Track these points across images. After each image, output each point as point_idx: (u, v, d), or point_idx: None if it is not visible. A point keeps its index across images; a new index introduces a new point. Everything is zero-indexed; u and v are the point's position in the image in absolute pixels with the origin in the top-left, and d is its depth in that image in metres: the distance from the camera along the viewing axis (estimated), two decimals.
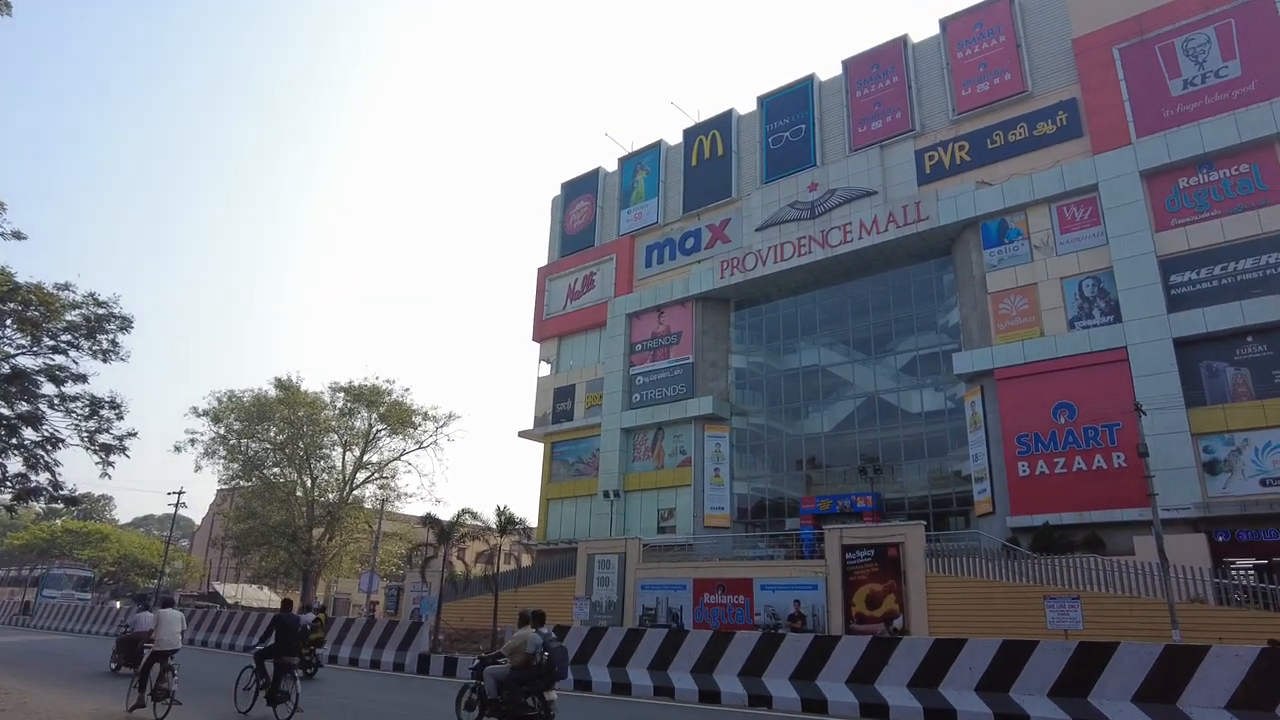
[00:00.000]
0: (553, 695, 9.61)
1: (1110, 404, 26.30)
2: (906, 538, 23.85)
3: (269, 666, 11.50)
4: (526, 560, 42.11)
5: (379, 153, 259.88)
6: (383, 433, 46.08)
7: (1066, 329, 28.76)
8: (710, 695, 14.22)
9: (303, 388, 45.61)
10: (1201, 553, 22.76)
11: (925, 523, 26.03)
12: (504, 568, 34.72)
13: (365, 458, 45.86)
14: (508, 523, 28.71)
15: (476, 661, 10.66)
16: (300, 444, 43.65)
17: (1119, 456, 25.99)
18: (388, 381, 46.22)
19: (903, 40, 36.81)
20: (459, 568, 33.91)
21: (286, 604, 12.65)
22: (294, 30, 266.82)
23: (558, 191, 50.25)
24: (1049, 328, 29.17)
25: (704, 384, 38.70)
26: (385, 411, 45.37)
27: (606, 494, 38.69)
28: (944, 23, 35.53)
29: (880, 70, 37.12)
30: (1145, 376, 26.07)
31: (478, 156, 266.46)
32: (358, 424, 45.90)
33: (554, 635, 10.16)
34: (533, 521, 43.33)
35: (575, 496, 42.14)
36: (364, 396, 45.13)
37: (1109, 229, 28.46)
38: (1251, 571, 22.74)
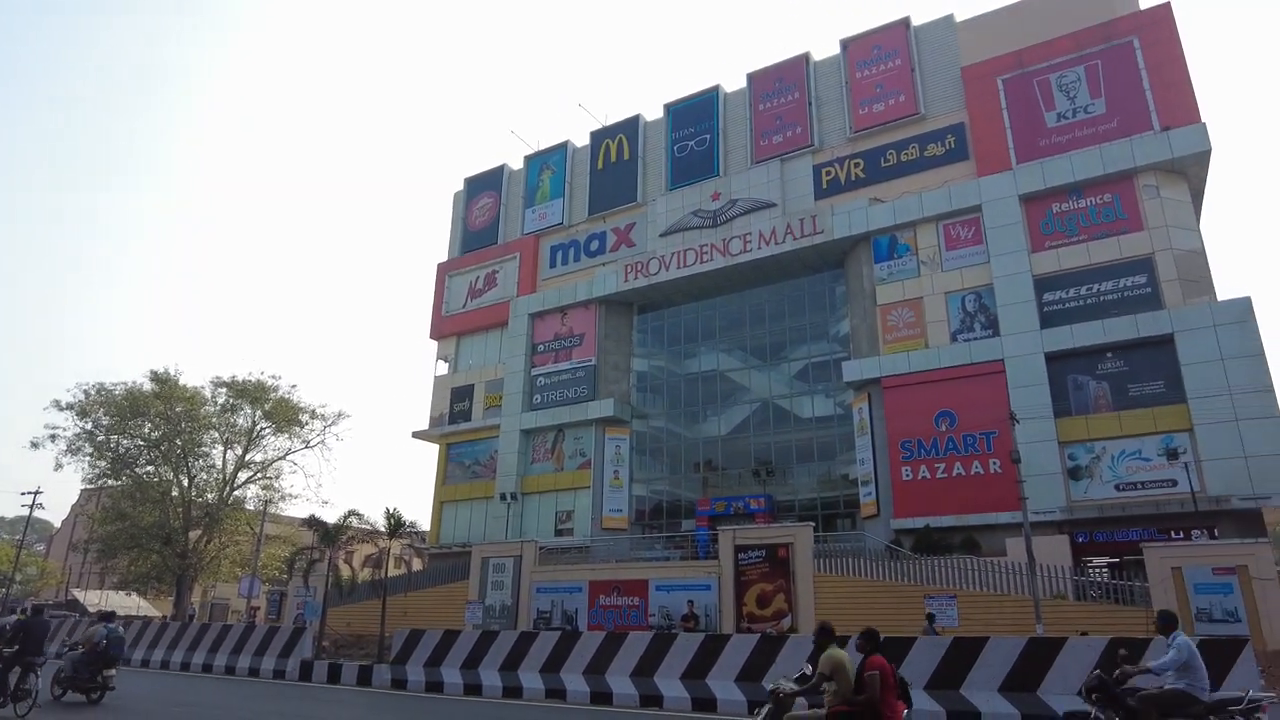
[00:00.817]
0: (111, 673, 13.86)
1: (987, 413, 27.88)
2: (796, 538, 24.53)
3: (13, 677, 12.18)
4: (418, 564, 41.01)
5: (276, 136, 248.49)
6: (267, 431, 43.91)
7: (949, 341, 30.34)
8: (602, 697, 14.21)
9: (181, 381, 43.00)
10: (1064, 553, 24.44)
11: (814, 524, 26.86)
12: (394, 572, 33.69)
13: (248, 457, 43.60)
14: (397, 525, 27.90)
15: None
16: (177, 441, 41.07)
17: (994, 463, 27.60)
18: (274, 377, 44.10)
19: (805, 58, 38.04)
20: (345, 572, 32.73)
21: (38, 609, 13.47)
22: (191, 14, 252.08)
23: (460, 187, 49.31)
24: (933, 340, 30.70)
25: (606, 386, 38.77)
26: (271, 409, 43.26)
27: (503, 496, 38.16)
28: (844, 43, 36.95)
29: (783, 85, 38.23)
30: (1019, 388, 27.80)
31: (376, 147, 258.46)
32: (240, 421, 43.60)
33: (117, 628, 14.56)
34: (425, 525, 42.28)
35: (471, 499, 41.37)
36: (248, 392, 42.90)
37: (990, 248, 30.23)
38: (1106, 569, 24.61)
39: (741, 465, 36.35)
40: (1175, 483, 24.83)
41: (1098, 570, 24.77)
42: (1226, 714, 7.47)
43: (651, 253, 38.82)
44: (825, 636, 7.74)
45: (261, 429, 43.75)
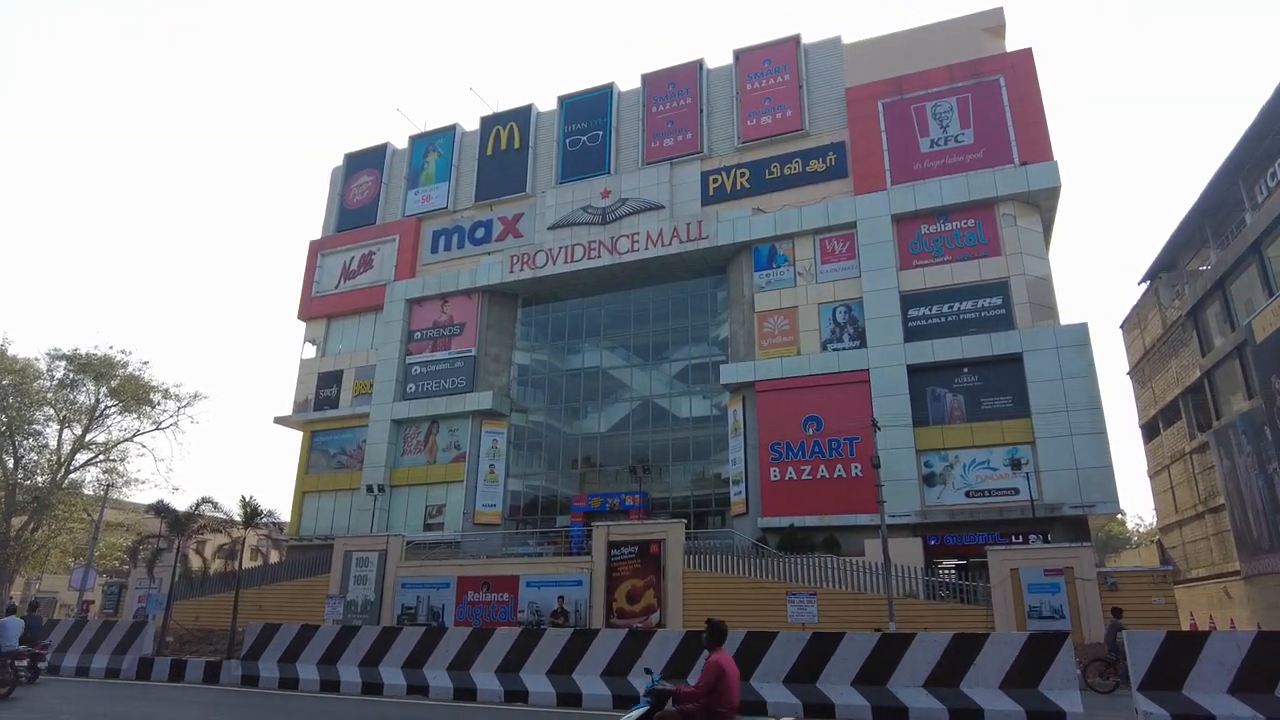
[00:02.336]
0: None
1: (852, 419, 29.22)
2: (668, 535, 24.90)
3: None
4: (276, 557, 38.87)
5: (139, 85, 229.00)
6: (113, 410, 40.39)
7: (820, 350, 31.62)
8: (466, 693, 13.86)
9: (10, 352, 38.90)
10: (917, 554, 25.95)
11: (686, 521, 27.35)
12: (250, 564, 31.82)
13: (89, 437, 39.93)
14: (253, 514, 26.33)
15: None
16: (2, 417, 37.14)
17: (856, 467, 28.96)
18: (123, 352, 40.64)
19: (699, 64, 38.68)
20: (196, 563, 30.63)
21: None
22: None
23: (339, 162, 47.10)
24: (805, 347, 31.91)
25: (485, 378, 38.00)
26: (118, 386, 39.77)
27: (370, 488, 36.66)
28: (737, 54, 37.82)
29: (676, 89, 38.73)
30: (882, 397, 29.30)
31: (246, 111, 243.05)
32: (81, 398, 39.91)
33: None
34: (285, 515, 40.08)
35: (335, 490, 39.55)
36: (91, 367, 39.27)
37: (862, 263, 31.72)
38: (953, 571, 26.32)
39: (619, 463, 36.52)
40: (1017, 491, 26.84)
41: (946, 571, 26.47)
42: None
43: (539, 245, 38.39)
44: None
45: (106, 407, 40.23)
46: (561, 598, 24.46)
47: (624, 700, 12.71)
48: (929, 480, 28.52)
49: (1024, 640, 11.74)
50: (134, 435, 40.93)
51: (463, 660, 14.35)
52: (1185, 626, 25.26)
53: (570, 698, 13.13)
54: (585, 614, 24.74)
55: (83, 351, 39.66)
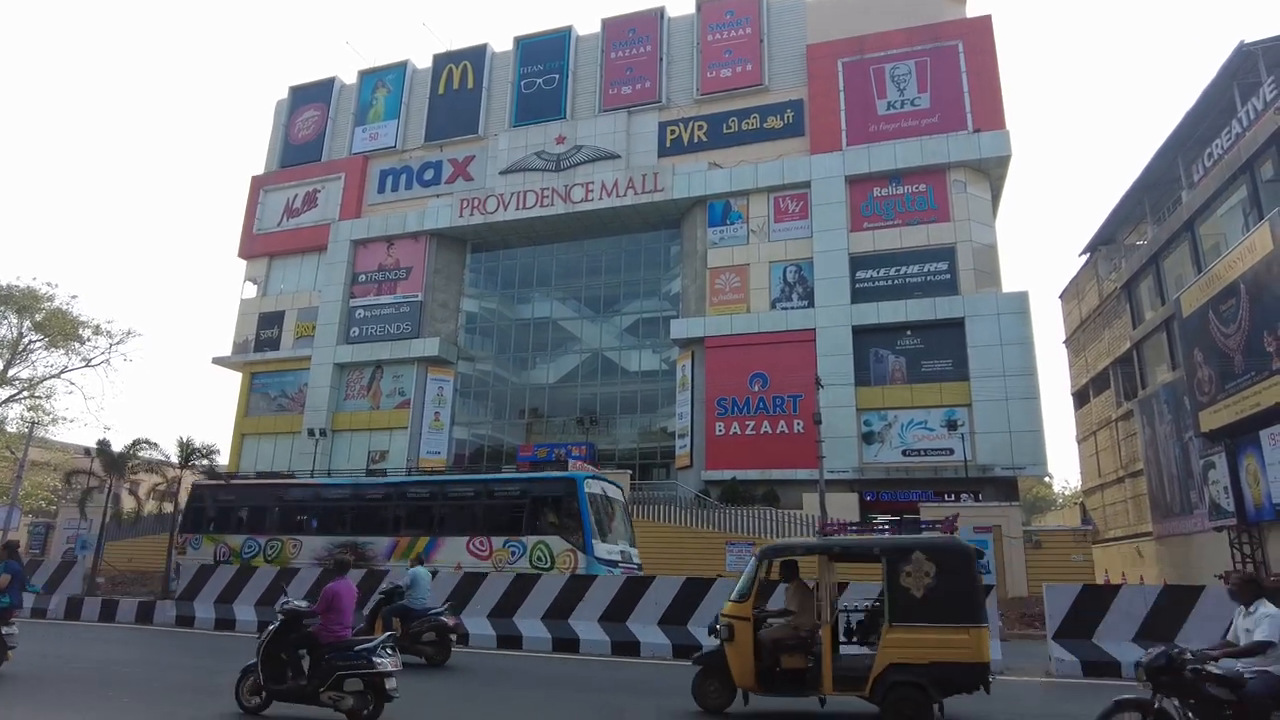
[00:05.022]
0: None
1: (797, 377, 29.69)
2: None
3: None
4: None
5: (72, 9, 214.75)
6: (38, 344, 38.63)
7: (769, 308, 31.92)
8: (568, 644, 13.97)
9: None
10: (853, 509, 26.78)
11: (632, 473, 27.65)
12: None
13: (11, 372, 38.20)
14: (190, 454, 25.66)
15: None
16: None
17: (799, 423, 29.53)
18: (49, 284, 38.69)
19: (660, 11, 37.93)
20: (130, 504, 29.83)
21: None
22: None
23: (284, 95, 45.18)
24: (754, 305, 32.16)
25: (432, 324, 37.41)
26: (43, 320, 37.99)
27: (312, 432, 36.08)
28: (699, 3, 37.19)
29: (636, 36, 37.96)
30: (827, 356, 29.80)
31: (189, 37, 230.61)
32: (3, 331, 38.07)
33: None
34: (224, 457, 39.23)
35: (275, 433, 38.80)
36: (14, 299, 37.32)
37: (815, 224, 31.93)
38: (887, 527, 27.17)
39: (566, 414, 36.57)
40: (952, 451, 27.74)
41: (881, 527, 27.36)
42: None
43: (490, 190, 37.62)
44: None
45: (30, 342, 38.45)
46: None
47: (562, 644, 12.94)
48: (868, 439, 29.27)
49: None
50: (61, 372, 39.32)
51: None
52: (1100, 582, 26.68)
53: (511, 640, 13.31)
54: None
55: (3, 283, 37.73)
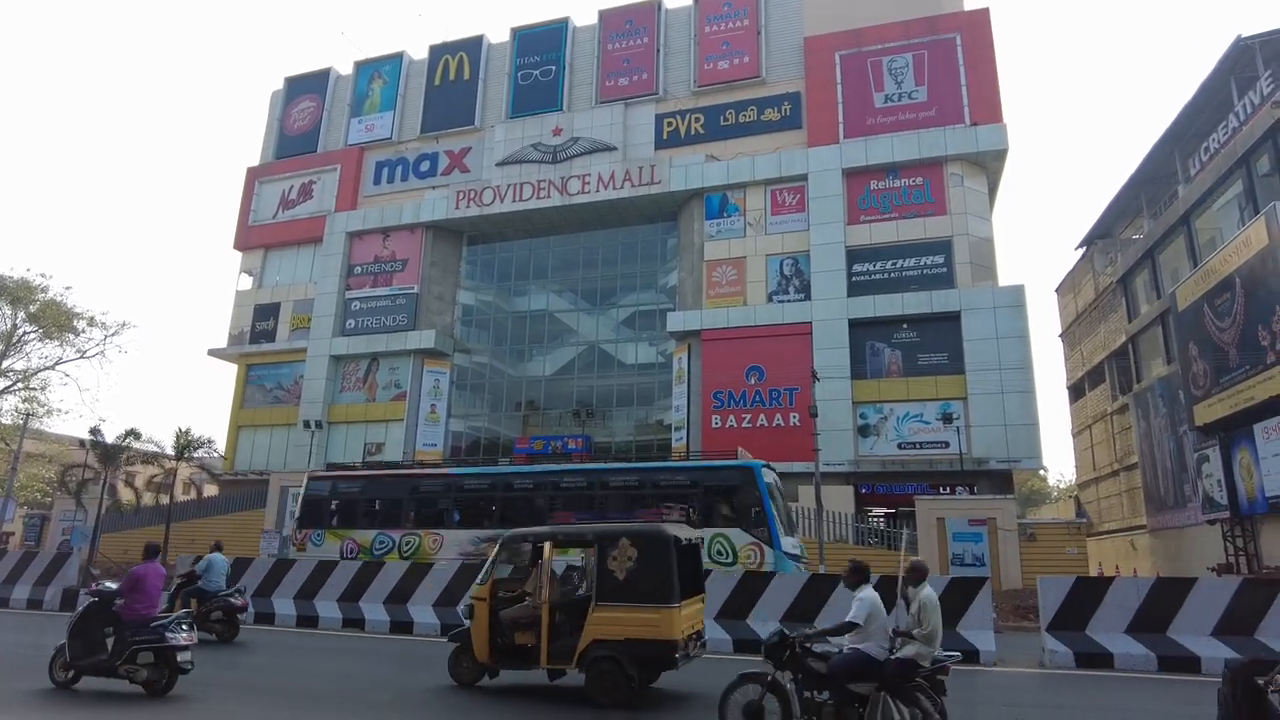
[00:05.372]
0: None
1: (793, 370, 29.70)
2: None
3: None
4: (212, 490, 38.15)
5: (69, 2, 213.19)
6: (32, 336, 38.49)
7: (765, 301, 31.92)
8: (403, 626, 13.95)
9: None
10: (849, 501, 26.84)
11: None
12: (185, 497, 31.15)
13: (6, 364, 38.06)
14: (186, 446, 25.69)
15: None
16: None
17: (795, 416, 29.57)
18: (43, 275, 38.51)
19: (657, 3, 37.77)
20: (126, 495, 29.87)
21: None
22: None
23: (279, 86, 44.98)
24: (751, 298, 32.16)
25: (428, 317, 37.36)
26: (37, 311, 37.83)
27: (308, 424, 36.04)
28: None
29: (633, 27, 37.83)
30: (823, 349, 29.82)
31: (185, 27, 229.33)
32: None
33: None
34: (220, 449, 39.24)
35: (271, 425, 38.75)
36: (8, 291, 37.16)
37: (811, 216, 31.90)
38: (882, 519, 27.32)
39: (563, 406, 36.58)
40: (948, 444, 27.82)
41: (875, 519, 27.47)
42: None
43: (486, 181, 37.52)
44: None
45: (25, 333, 38.31)
46: None
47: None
48: (863, 431, 29.32)
49: (945, 583, 12.29)
50: (56, 363, 39.21)
51: (400, 594, 14.40)
52: (1094, 574, 26.82)
53: None
54: None
55: None
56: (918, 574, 6.48)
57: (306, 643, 12.85)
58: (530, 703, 8.64)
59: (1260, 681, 4.36)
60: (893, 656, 6.17)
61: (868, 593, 6.40)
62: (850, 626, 6.29)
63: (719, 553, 16.15)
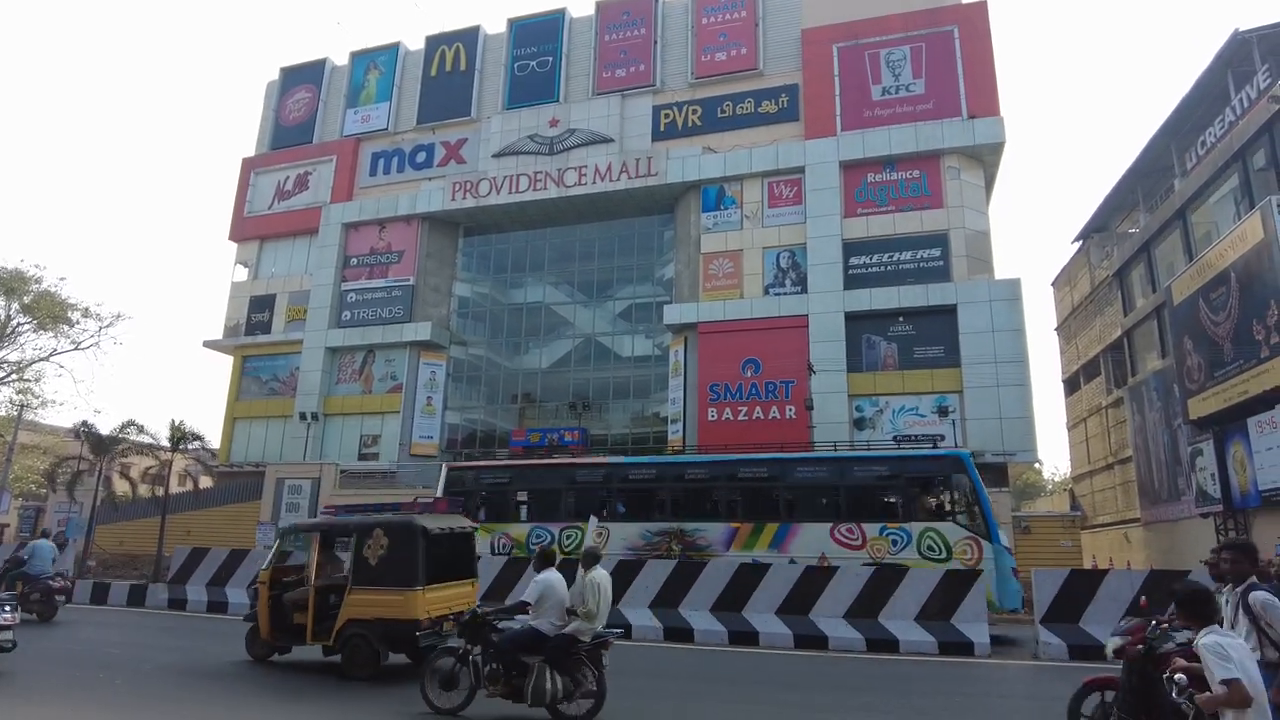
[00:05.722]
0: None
1: (789, 363, 29.74)
2: None
3: None
4: (207, 482, 38.08)
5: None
6: (26, 327, 38.31)
7: (762, 294, 31.91)
8: None
9: None
10: None
11: (623, 458, 27.64)
12: (179, 489, 31.11)
13: (0, 355, 37.92)
14: (181, 438, 25.65)
15: None
16: None
17: (790, 409, 29.59)
18: (37, 266, 38.27)
19: None
20: (121, 487, 29.83)
21: None
22: None
23: (275, 76, 44.74)
24: (748, 291, 32.15)
25: (424, 309, 37.28)
26: (31, 302, 37.65)
27: (303, 416, 36.00)
28: None
29: (630, 18, 37.66)
30: (819, 342, 29.84)
31: (180, 16, 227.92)
32: None
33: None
34: (215, 441, 39.20)
35: (267, 417, 38.69)
36: (1, 281, 37.05)
37: (808, 209, 31.86)
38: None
39: (559, 399, 36.58)
40: (943, 437, 27.81)
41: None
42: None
43: (482, 173, 37.41)
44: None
45: (19, 324, 38.14)
46: None
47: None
48: (859, 424, 29.36)
49: (940, 576, 12.35)
50: (50, 355, 39.05)
51: None
52: (1088, 567, 26.95)
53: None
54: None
55: None
56: (589, 559, 7.45)
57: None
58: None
59: (1154, 666, 4.41)
60: (563, 632, 7.05)
61: (545, 575, 7.28)
62: (524, 605, 7.21)
63: (930, 549, 14.92)
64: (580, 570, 7.37)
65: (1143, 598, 9.76)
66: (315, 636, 9.36)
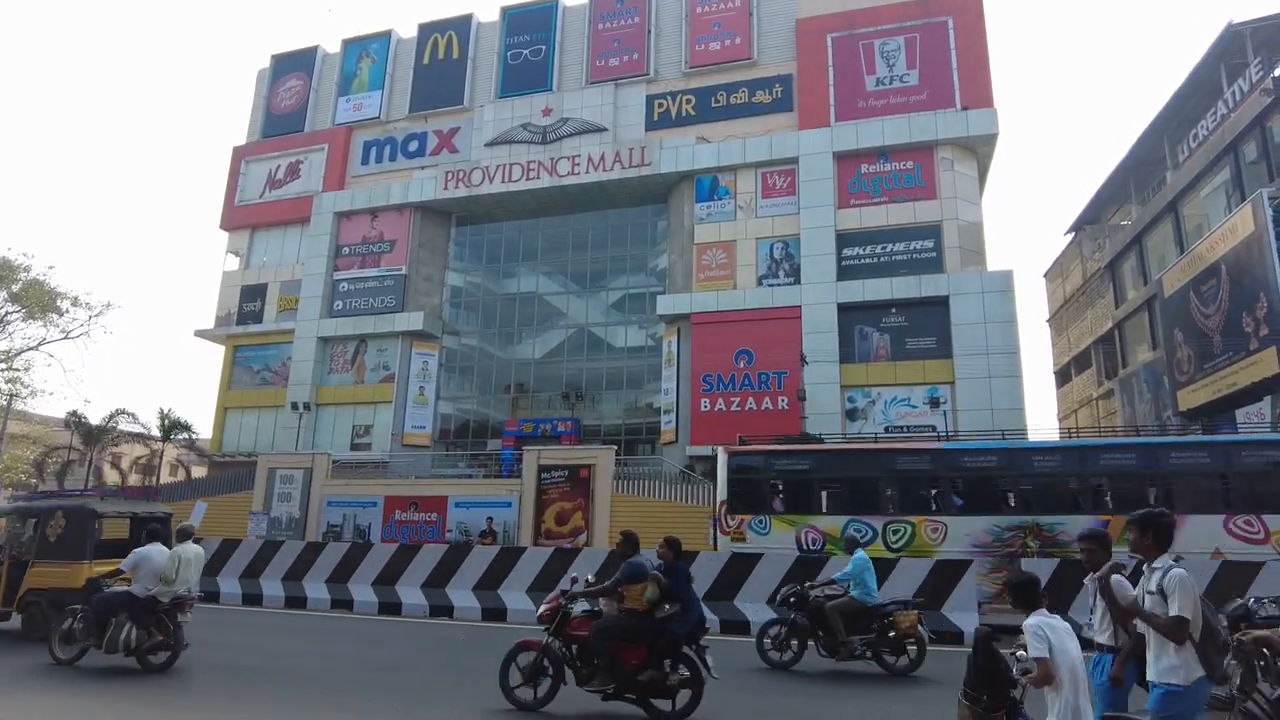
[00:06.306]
0: None
1: (782, 354, 29.78)
2: (598, 460, 25.19)
3: None
4: (198, 473, 37.97)
5: None
6: (15, 316, 38.00)
7: (755, 285, 31.92)
8: (391, 607, 13.97)
9: None
10: None
11: (617, 448, 27.70)
12: (170, 479, 30.98)
13: None
14: (172, 427, 25.55)
15: None
16: None
17: (783, 399, 29.67)
18: (25, 255, 37.91)
19: None
20: (112, 476, 29.71)
21: None
22: None
23: (265, 64, 44.40)
24: (741, 281, 32.15)
25: (416, 298, 37.17)
26: (20, 291, 37.32)
27: (295, 406, 35.89)
28: None
29: (624, 7, 37.48)
30: (812, 333, 29.89)
31: (168, 7, 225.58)
32: None
33: None
34: (207, 431, 39.04)
35: (259, 406, 38.57)
36: None
37: (801, 200, 31.85)
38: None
39: (552, 389, 36.57)
40: (935, 428, 27.91)
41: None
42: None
43: (475, 162, 37.24)
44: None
45: (7, 313, 37.84)
46: (490, 518, 24.64)
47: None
48: (851, 415, 29.45)
49: (930, 565, 12.42)
50: (39, 344, 38.76)
51: (389, 575, 14.41)
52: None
53: (495, 612, 13.36)
54: (514, 534, 25.03)
55: None
56: (182, 535, 9.21)
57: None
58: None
59: (1001, 648, 4.58)
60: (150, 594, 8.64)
61: (147, 549, 8.97)
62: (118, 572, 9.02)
63: None
64: (174, 543, 9.08)
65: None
66: (5, 603, 10.77)
